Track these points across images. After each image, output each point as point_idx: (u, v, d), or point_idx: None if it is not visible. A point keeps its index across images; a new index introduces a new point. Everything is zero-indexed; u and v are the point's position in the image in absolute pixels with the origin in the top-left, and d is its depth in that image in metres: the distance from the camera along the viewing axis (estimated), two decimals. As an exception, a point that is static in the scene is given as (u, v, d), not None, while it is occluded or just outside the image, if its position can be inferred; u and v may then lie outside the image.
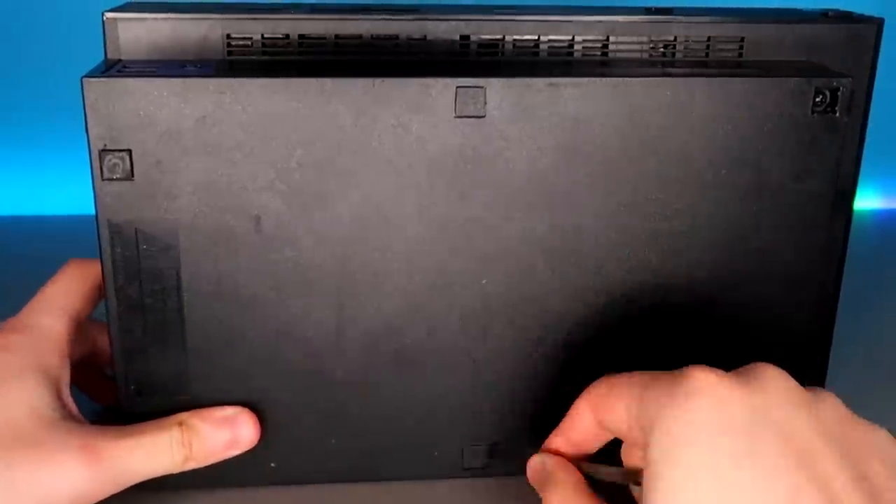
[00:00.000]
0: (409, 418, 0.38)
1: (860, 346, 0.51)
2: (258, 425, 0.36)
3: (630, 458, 0.34)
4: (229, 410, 0.36)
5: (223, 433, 0.35)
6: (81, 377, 0.41)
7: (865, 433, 0.28)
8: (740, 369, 0.29)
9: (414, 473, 0.39)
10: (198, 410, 0.36)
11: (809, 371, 0.41)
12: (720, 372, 0.28)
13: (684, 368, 0.29)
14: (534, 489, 0.36)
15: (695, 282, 0.37)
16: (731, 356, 0.39)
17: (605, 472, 0.34)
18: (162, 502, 0.37)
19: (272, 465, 0.38)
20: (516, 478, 0.40)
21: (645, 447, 0.28)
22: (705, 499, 0.26)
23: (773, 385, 0.28)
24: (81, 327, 0.38)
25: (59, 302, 0.37)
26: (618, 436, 0.33)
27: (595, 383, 0.33)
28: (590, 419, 0.33)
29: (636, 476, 0.32)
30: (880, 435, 0.28)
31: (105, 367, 0.42)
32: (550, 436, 0.35)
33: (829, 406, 0.29)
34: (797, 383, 0.29)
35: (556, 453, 0.35)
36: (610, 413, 0.32)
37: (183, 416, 0.35)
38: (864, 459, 0.27)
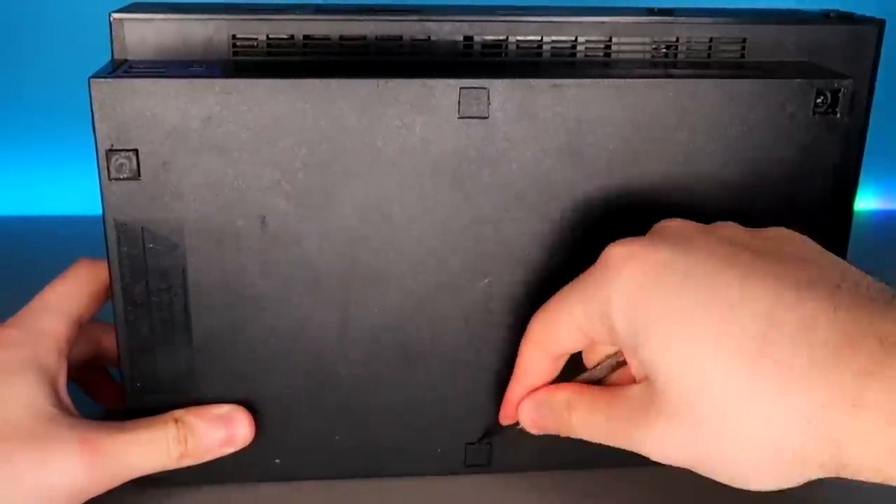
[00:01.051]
0: (412, 415, 0.38)
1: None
2: (253, 423, 0.37)
3: (593, 356, 0.34)
4: (225, 408, 0.36)
5: (218, 431, 0.36)
6: (85, 379, 0.41)
7: (765, 230, 0.31)
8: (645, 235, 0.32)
9: (417, 470, 0.39)
10: (194, 408, 0.36)
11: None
12: (623, 240, 0.31)
13: (601, 257, 0.31)
14: (535, 484, 0.36)
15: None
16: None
17: (592, 375, 0.34)
18: (169, 498, 0.38)
19: (277, 461, 0.38)
20: (518, 475, 0.40)
21: (611, 336, 0.30)
22: (679, 328, 0.28)
23: (674, 228, 0.31)
24: (83, 328, 0.38)
25: (61, 302, 0.37)
26: (574, 352, 0.34)
27: (529, 329, 0.34)
28: (540, 358, 0.34)
29: (617, 357, 0.33)
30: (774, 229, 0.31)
31: (111, 369, 0.42)
32: (506, 396, 0.36)
33: (728, 225, 0.32)
34: (688, 222, 0.32)
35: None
36: (562, 341, 0.33)
37: (179, 413, 0.36)
38: (770, 239, 0.31)
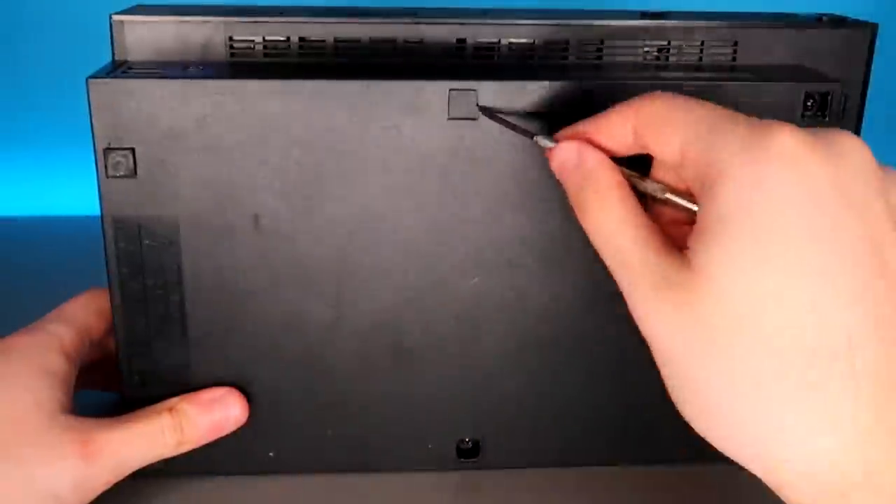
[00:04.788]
0: (403, 411, 0.39)
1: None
2: (246, 404, 0.37)
3: (662, 175, 0.30)
4: (217, 392, 0.37)
5: (213, 414, 0.37)
6: (100, 377, 0.42)
7: None
8: (819, 133, 0.26)
9: (408, 465, 0.40)
10: (186, 395, 0.37)
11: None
12: (803, 135, 0.25)
13: (764, 122, 0.26)
14: (527, 481, 0.36)
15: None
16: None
17: (649, 185, 0.30)
18: (162, 488, 0.39)
19: (270, 454, 0.39)
20: (508, 471, 0.40)
21: (701, 193, 0.26)
22: (773, 266, 0.24)
23: (855, 159, 0.26)
24: (95, 341, 0.39)
25: (70, 315, 0.38)
26: (656, 157, 0.29)
27: (649, 98, 0.29)
28: (628, 130, 0.29)
29: (688, 198, 0.29)
30: None
31: None
32: (576, 125, 0.31)
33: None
34: (873, 156, 0.26)
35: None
36: (660, 137, 0.28)
37: (172, 401, 0.37)
38: None
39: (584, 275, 0.37)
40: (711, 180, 0.26)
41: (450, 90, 0.34)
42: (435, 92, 0.34)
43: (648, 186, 0.29)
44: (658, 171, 0.30)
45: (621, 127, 0.29)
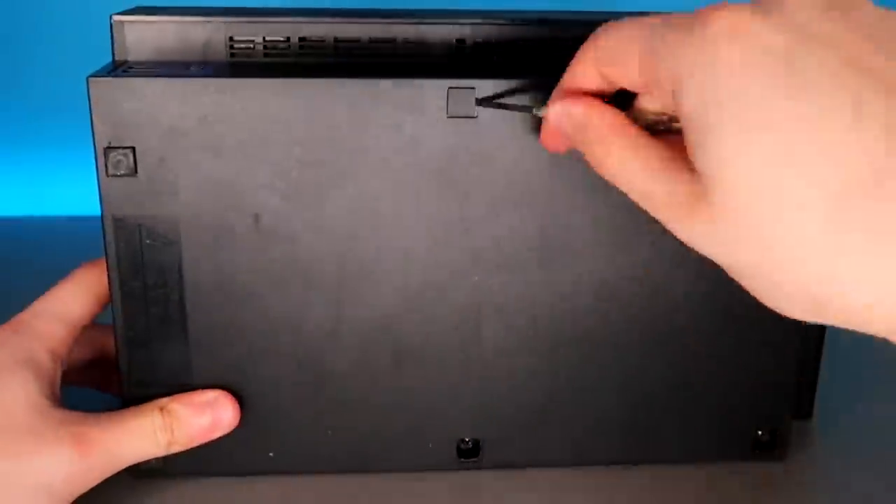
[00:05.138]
0: (404, 411, 0.39)
1: (859, 347, 0.51)
2: (238, 408, 0.37)
3: (649, 105, 0.30)
4: (209, 394, 0.37)
5: (204, 417, 0.37)
6: (94, 378, 0.42)
7: None
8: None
9: (408, 465, 0.40)
10: (178, 395, 0.37)
11: (806, 363, 0.42)
12: (738, 5, 0.25)
13: (698, 11, 0.25)
14: (527, 481, 0.36)
15: (685, 280, 0.38)
16: (724, 353, 0.39)
17: (640, 117, 0.29)
18: (162, 489, 0.39)
19: (270, 454, 0.39)
20: (509, 471, 0.40)
21: (676, 103, 0.25)
22: (765, 147, 0.23)
23: (786, 5, 0.24)
24: (83, 331, 0.39)
25: (57, 306, 0.38)
26: (628, 88, 0.29)
27: (596, 34, 0.29)
28: (593, 73, 0.29)
29: (668, 122, 0.29)
30: None
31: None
32: (559, 85, 0.31)
33: (862, 5, 0.25)
34: None
35: None
36: (619, 67, 0.28)
37: (164, 401, 0.37)
38: None
39: (584, 274, 0.37)
40: (674, 90, 0.25)
41: (449, 88, 0.34)
42: (434, 90, 0.34)
43: (640, 118, 0.29)
44: (643, 100, 0.29)
45: (590, 71, 0.29)
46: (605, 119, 0.29)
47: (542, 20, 0.38)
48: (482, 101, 0.34)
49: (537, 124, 0.34)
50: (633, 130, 0.28)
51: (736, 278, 0.26)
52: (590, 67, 0.29)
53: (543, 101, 0.31)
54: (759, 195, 0.23)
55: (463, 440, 0.40)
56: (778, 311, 0.26)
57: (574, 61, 0.30)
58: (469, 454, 0.40)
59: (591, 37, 0.29)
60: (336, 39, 0.37)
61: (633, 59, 0.27)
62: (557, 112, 0.30)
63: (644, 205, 0.28)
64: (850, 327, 0.24)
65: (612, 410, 0.40)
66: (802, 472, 0.42)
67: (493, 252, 0.36)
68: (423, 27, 0.37)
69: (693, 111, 0.25)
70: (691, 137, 0.25)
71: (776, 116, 0.23)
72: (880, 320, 0.24)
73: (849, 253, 0.23)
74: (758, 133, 0.23)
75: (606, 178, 0.29)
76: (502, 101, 0.34)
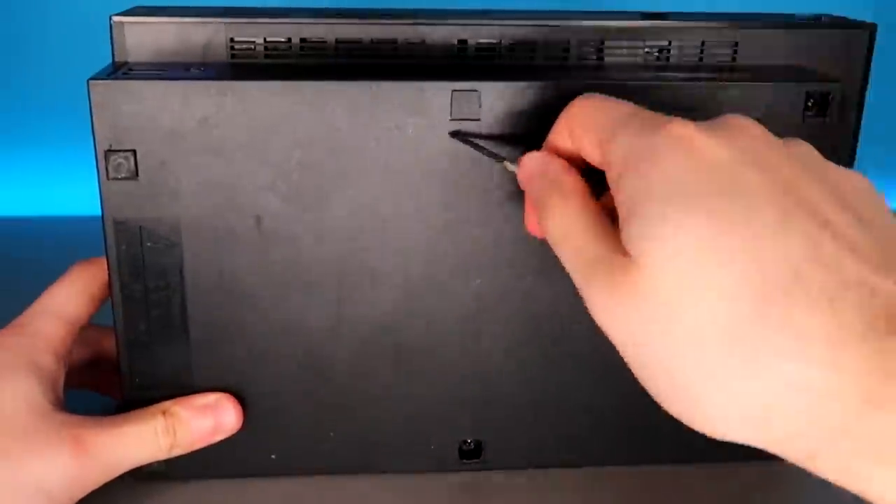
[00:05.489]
0: (405, 412, 0.39)
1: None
2: (240, 411, 0.37)
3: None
4: (211, 397, 0.37)
5: (206, 420, 0.37)
6: (94, 380, 0.42)
7: (844, 173, 0.27)
8: (710, 121, 0.28)
9: (410, 466, 0.40)
10: (180, 399, 0.37)
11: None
12: (692, 123, 0.27)
13: (659, 115, 0.28)
14: (529, 482, 0.36)
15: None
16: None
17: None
18: (164, 491, 0.39)
19: (272, 456, 0.39)
20: (510, 472, 0.41)
21: (616, 186, 0.27)
22: (691, 235, 0.24)
23: (749, 131, 0.27)
24: (81, 331, 0.38)
25: (57, 306, 0.38)
26: (588, 160, 0.30)
27: (573, 101, 0.31)
28: (566, 138, 0.31)
29: None
30: (857, 176, 0.27)
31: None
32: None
33: (806, 148, 0.28)
34: (762, 127, 0.28)
35: None
36: (580, 140, 0.30)
37: (166, 404, 0.37)
38: (847, 193, 0.26)
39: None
40: (618, 173, 0.27)
41: (452, 91, 0.34)
42: (437, 93, 0.34)
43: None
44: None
45: (562, 138, 0.31)
46: (576, 182, 0.30)
47: (543, 20, 0.38)
48: (456, 135, 0.34)
49: (539, 133, 0.34)
50: (587, 191, 0.30)
51: (629, 360, 0.27)
52: (564, 131, 0.31)
53: (546, 129, 0.32)
54: (684, 276, 0.24)
55: (465, 441, 0.40)
56: (657, 400, 0.27)
57: (555, 124, 0.32)
58: (471, 455, 0.40)
59: (570, 103, 0.31)
60: (337, 40, 0.37)
61: (595, 135, 0.29)
62: (534, 158, 0.31)
63: (571, 260, 0.29)
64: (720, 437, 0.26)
65: (613, 411, 0.40)
66: (802, 471, 0.41)
67: (495, 254, 0.36)
68: (424, 28, 0.37)
69: (634, 194, 0.26)
70: (623, 217, 0.27)
71: (710, 208, 0.25)
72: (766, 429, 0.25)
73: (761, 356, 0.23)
74: (692, 219, 0.25)
75: (550, 230, 0.30)
76: (478, 142, 0.34)
